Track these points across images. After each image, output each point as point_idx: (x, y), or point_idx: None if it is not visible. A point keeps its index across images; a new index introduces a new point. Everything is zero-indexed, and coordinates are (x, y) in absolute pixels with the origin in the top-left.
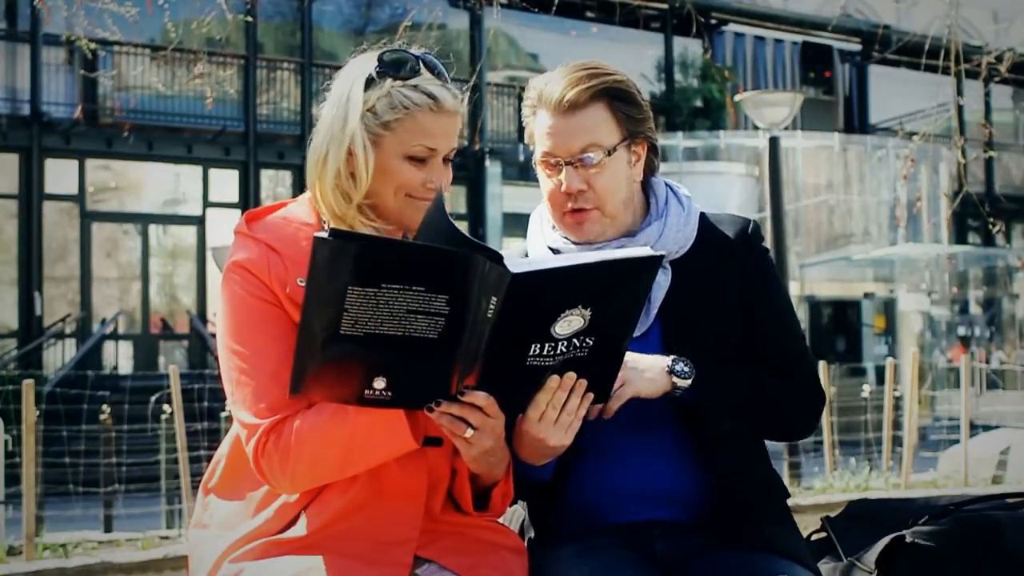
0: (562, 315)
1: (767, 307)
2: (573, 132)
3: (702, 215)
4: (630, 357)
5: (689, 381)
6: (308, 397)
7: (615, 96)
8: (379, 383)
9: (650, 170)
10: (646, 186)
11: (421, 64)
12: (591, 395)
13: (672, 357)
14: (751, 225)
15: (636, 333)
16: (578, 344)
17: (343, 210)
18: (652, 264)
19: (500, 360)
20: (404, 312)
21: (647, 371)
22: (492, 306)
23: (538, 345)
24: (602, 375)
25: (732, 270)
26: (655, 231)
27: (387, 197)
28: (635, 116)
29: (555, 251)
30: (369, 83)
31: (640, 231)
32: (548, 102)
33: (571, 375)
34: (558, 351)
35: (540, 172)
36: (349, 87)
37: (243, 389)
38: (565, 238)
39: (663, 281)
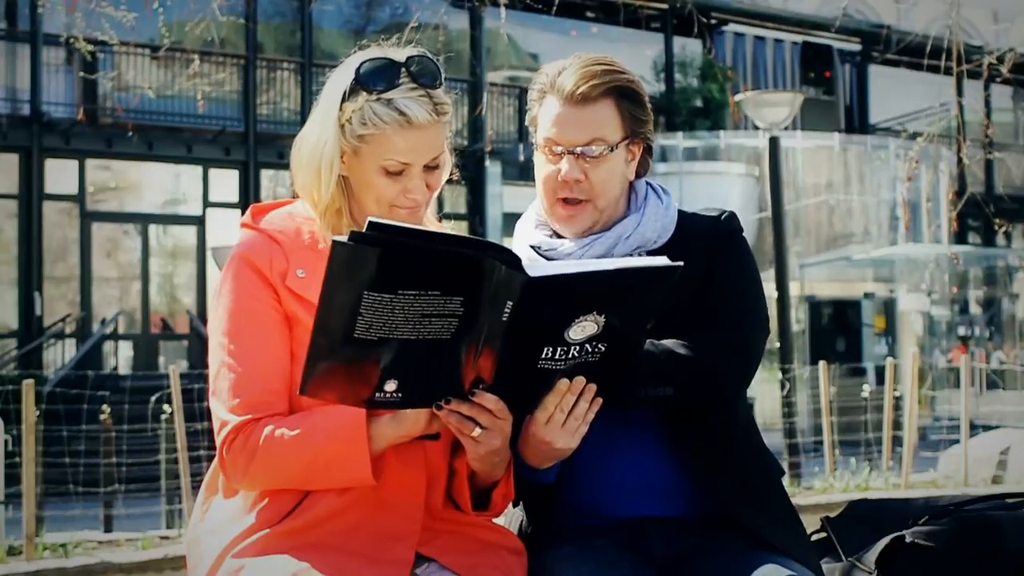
0: (576, 320)
1: (717, 276)
2: (581, 124)
3: (680, 212)
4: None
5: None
6: (318, 398)
7: (624, 95)
8: (390, 385)
9: (643, 171)
10: (629, 185)
11: (403, 71)
12: (599, 400)
13: None
14: (725, 214)
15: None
16: (590, 349)
17: (321, 213)
18: (669, 273)
19: (512, 362)
20: (419, 316)
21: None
22: (507, 308)
23: (551, 348)
24: (611, 380)
25: (701, 256)
26: (632, 222)
27: (370, 206)
28: (639, 117)
29: (535, 248)
30: (345, 96)
31: (617, 223)
32: (560, 91)
33: (580, 379)
34: (570, 355)
35: (540, 157)
36: (330, 99)
37: (222, 382)
38: (547, 236)
39: None
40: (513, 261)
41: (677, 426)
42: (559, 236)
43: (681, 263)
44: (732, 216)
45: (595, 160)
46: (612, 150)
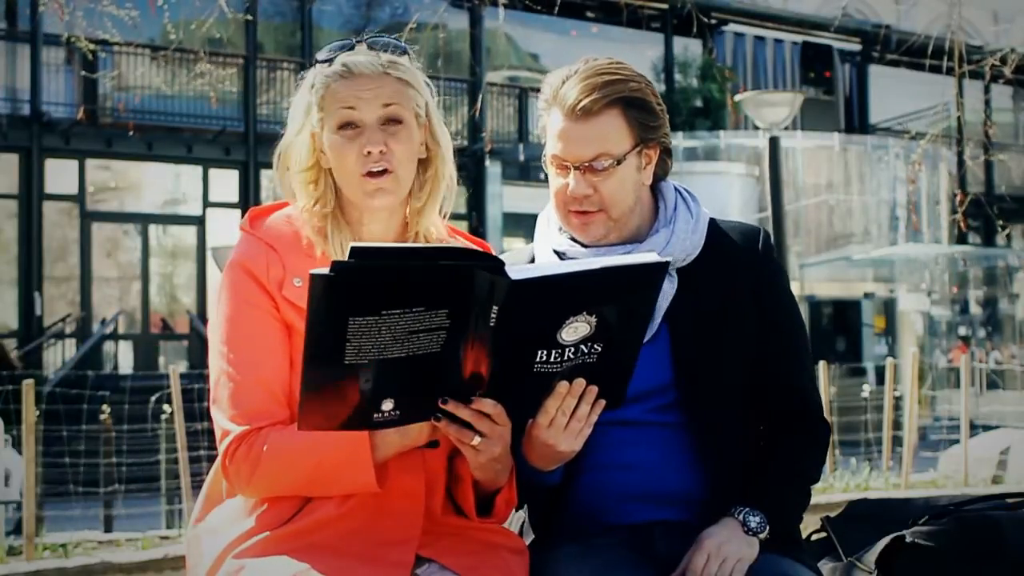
0: (567, 322)
1: (780, 330)
2: (584, 139)
3: (711, 221)
4: (714, 545)
5: (766, 532)
6: (318, 429)
7: (630, 104)
8: (387, 404)
9: (662, 172)
10: (655, 190)
11: (359, 44)
12: (602, 401)
13: (741, 516)
14: (762, 234)
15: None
16: (586, 350)
17: (308, 213)
18: (657, 270)
19: (507, 367)
20: (406, 334)
21: (733, 542)
22: (494, 314)
23: (544, 352)
24: (613, 381)
25: (743, 281)
26: (662, 239)
27: (345, 185)
28: (649, 123)
29: (560, 254)
30: (312, 84)
31: (647, 238)
32: (562, 105)
33: (580, 381)
34: (565, 358)
35: (549, 169)
36: (301, 93)
37: (223, 390)
38: (572, 240)
39: (668, 289)
40: (496, 266)
41: (703, 441)
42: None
43: (669, 259)
44: (768, 239)
45: (603, 173)
46: (620, 163)
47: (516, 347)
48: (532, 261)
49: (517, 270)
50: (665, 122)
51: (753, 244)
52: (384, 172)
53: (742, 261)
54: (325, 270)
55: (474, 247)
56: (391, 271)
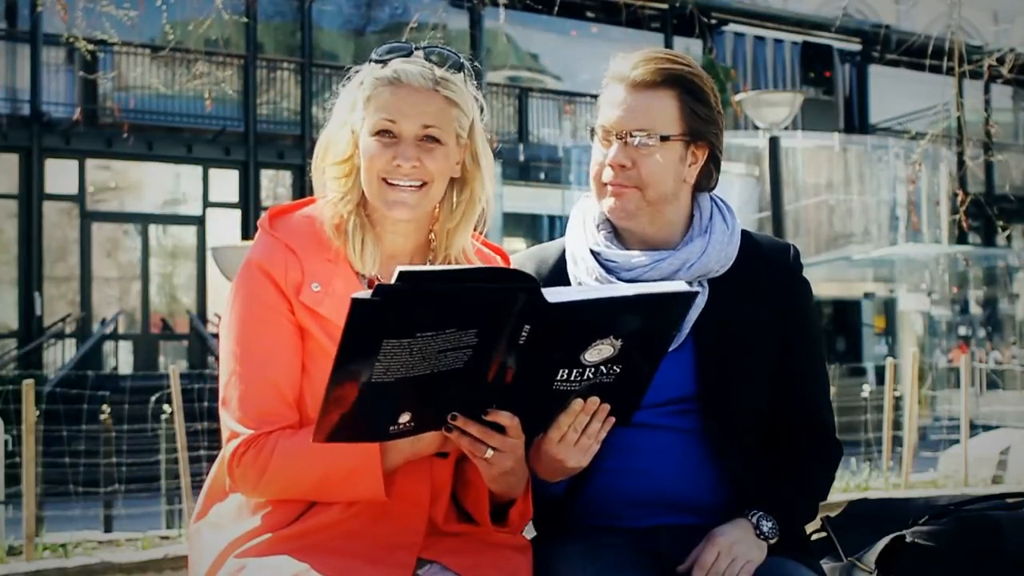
0: (593, 343)
1: (802, 350)
2: (633, 110)
3: (744, 233)
4: (726, 544)
5: (776, 539)
6: (333, 441)
7: (686, 88)
8: (404, 417)
9: (705, 183)
10: (692, 198)
11: (419, 52)
12: (612, 419)
13: (755, 519)
14: (792, 251)
15: (670, 347)
16: (605, 371)
17: (340, 203)
18: (687, 299)
19: (527, 383)
20: (435, 353)
21: (745, 543)
22: (524, 333)
23: (566, 370)
24: (625, 400)
25: (772, 297)
26: (698, 247)
27: (368, 187)
28: (701, 115)
29: (596, 254)
30: (362, 81)
31: (682, 246)
32: (620, 76)
33: (595, 400)
34: (585, 377)
35: (594, 142)
36: (351, 86)
37: (232, 391)
38: (608, 240)
39: (699, 299)
40: (533, 287)
41: (720, 450)
42: (619, 238)
43: (698, 290)
44: (798, 257)
45: (644, 150)
46: (662, 141)
47: (539, 365)
48: (561, 259)
49: (553, 292)
50: (718, 124)
51: (784, 260)
52: (411, 187)
53: (772, 276)
54: (367, 294)
55: (509, 266)
56: (434, 295)
